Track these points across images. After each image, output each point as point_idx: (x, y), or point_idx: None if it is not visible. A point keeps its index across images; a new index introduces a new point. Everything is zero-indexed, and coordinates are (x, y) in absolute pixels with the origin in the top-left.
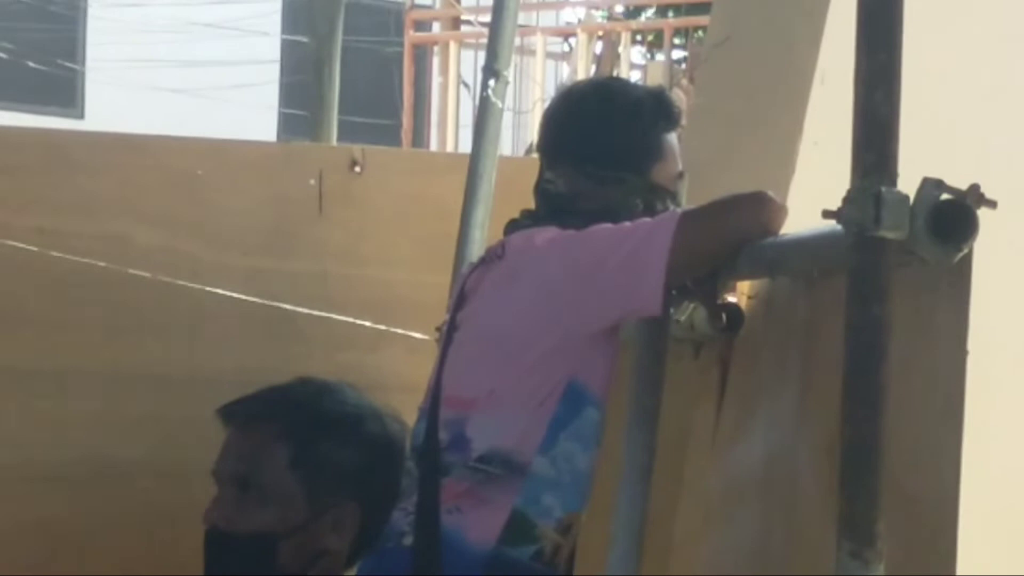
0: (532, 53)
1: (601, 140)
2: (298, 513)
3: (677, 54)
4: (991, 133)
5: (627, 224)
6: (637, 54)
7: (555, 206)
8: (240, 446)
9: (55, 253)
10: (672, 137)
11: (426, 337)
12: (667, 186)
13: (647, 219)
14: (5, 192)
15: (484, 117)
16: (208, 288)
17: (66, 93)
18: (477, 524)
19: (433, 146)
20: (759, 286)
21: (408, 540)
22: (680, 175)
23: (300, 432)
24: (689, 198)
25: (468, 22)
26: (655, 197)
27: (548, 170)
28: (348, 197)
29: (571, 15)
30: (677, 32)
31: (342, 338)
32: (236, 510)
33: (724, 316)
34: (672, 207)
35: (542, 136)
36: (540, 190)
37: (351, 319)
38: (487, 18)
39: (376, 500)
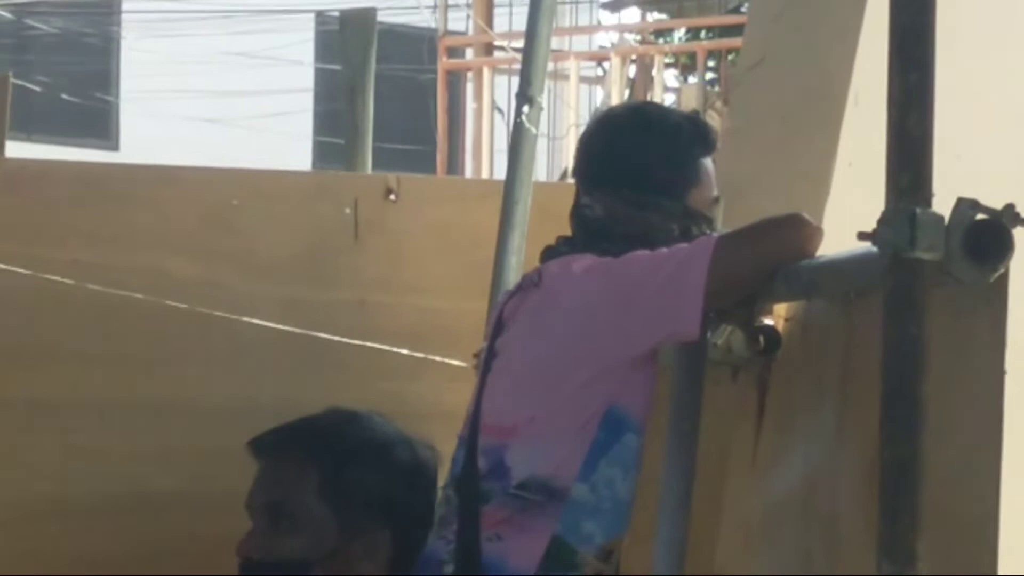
0: (566, 78)
1: (638, 165)
2: (330, 540)
3: (711, 76)
4: None
5: (664, 250)
6: (671, 77)
7: (592, 231)
8: (269, 477)
9: (92, 286)
10: (708, 162)
11: (464, 364)
12: (703, 211)
13: (684, 244)
14: (42, 225)
15: (518, 143)
16: (245, 318)
17: (101, 125)
18: (517, 551)
19: (468, 172)
20: (796, 308)
21: (448, 569)
22: (716, 199)
23: (328, 460)
24: (725, 221)
25: (501, 48)
26: (691, 222)
27: (585, 195)
28: (383, 225)
29: (604, 39)
30: (711, 55)
31: (379, 367)
32: (268, 540)
33: (761, 339)
34: (708, 231)
35: (578, 161)
36: (576, 215)
37: (388, 347)
38: (520, 44)
39: (408, 525)
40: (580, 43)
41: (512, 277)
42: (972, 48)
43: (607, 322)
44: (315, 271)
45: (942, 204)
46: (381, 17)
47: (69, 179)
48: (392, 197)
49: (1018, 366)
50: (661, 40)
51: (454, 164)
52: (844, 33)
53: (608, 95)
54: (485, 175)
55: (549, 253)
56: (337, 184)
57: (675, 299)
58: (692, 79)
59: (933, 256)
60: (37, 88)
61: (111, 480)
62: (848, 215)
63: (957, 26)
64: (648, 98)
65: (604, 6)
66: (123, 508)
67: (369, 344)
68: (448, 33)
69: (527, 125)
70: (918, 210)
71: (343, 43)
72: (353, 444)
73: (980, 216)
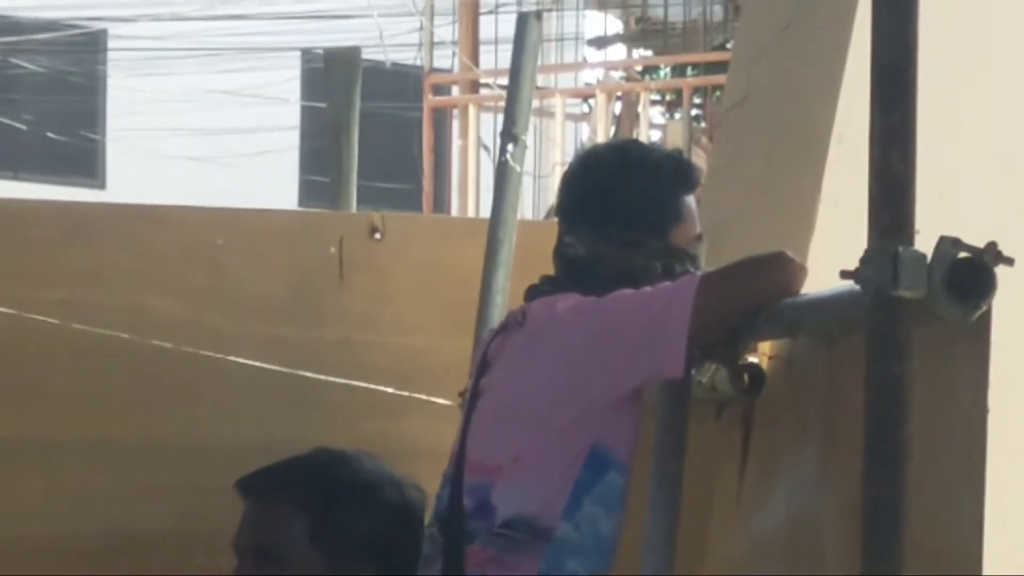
0: (551, 115)
1: (621, 203)
2: None
3: (696, 113)
4: (1008, 190)
5: (648, 289)
6: (657, 114)
7: (575, 270)
8: (258, 518)
9: (77, 326)
10: (691, 199)
11: (449, 403)
12: (686, 248)
13: (667, 283)
14: (28, 265)
15: (502, 182)
16: (230, 357)
17: (87, 164)
18: None
19: (454, 210)
20: (780, 346)
21: None
22: (699, 237)
23: (317, 502)
24: (709, 259)
25: (487, 85)
26: (675, 260)
27: (567, 234)
28: (368, 264)
29: (590, 76)
30: (696, 91)
31: (365, 405)
32: None
33: (746, 377)
34: (691, 269)
35: (561, 200)
36: (559, 254)
37: (374, 386)
38: (506, 81)
39: (395, 567)
40: (566, 80)
41: (497, 315)
42: (955, 85)
43: (591, 361)
44: (300, 310)
45: (927, 242)
46: (367, 55)
47: (54, 218)
48: (377, 236)
49: (1002, 403)
50: (647, 77)
51: (440, 202)
52: (827, 72)
53: (594, 132)
54: (471, 213)
55: (533, 292)
56: (322, 223)
57: (659, 338)
58: (678, 115)
59: (915, 295)
60: (23, 127)
61: (97, 519)
62: (833, 253)
63: (939, 64)
64: (634, 135)
65: (590, 43)
66: (109, 547)
67: (354, 383)
68: (434, 70)
69: (511, 164)
70: (900, 248)
71: (328, 81)
72: (342, 486)
73: (962, 254)
